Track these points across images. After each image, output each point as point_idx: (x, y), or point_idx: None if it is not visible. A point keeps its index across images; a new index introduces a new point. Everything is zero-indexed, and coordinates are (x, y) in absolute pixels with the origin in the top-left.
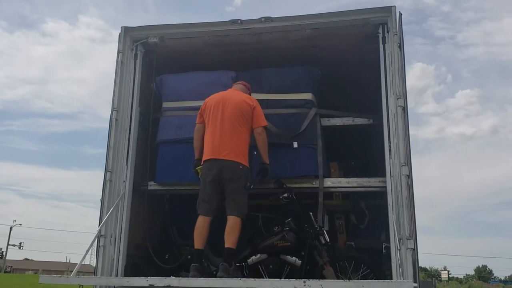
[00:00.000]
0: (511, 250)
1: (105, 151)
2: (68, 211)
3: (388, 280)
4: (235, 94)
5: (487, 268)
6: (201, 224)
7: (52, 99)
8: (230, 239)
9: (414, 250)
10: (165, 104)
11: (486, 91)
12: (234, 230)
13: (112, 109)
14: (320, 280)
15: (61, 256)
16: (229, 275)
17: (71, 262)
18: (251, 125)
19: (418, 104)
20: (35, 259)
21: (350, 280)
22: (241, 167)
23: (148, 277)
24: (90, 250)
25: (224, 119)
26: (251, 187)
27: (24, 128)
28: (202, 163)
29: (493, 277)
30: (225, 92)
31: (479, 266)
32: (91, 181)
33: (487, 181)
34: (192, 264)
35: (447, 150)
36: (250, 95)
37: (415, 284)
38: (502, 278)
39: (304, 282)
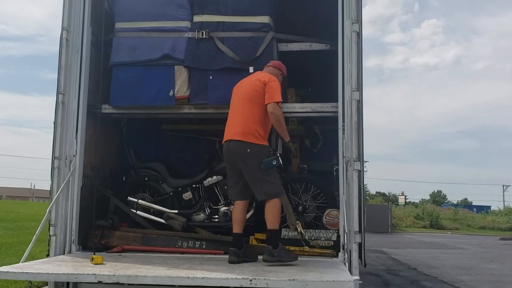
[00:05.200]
0: (465, 176)
1: None
2: (30, 138)
3: (331, 280)
4: (253, 75)
5: (442, 193)
6: (235, 209)
7: (7, 20)
8: (268, 220)
9: (360, 172)
10: (118, 25)
11: (452, 21)
12: (269, 212)
13: (62, 29)
14: (266, 278)
15: (25, 182)
16: (273, 257)
17: (35, 188)
18: (263, 102)
19: (384, 33)
20: None
21: (295, 280)
22: (248, 150)
23: (97, 274)
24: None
25: (237, 102)
26: (274, 163)
27: None
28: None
29: (446, 201)
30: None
31: (434, 191)
32: (52, 107)
33: (446, 111)
34: (230, 249)
35: (410, 80)
36: (282, 74)
37: (356, 277)
38: (455, 202)
39: (251, 280)
